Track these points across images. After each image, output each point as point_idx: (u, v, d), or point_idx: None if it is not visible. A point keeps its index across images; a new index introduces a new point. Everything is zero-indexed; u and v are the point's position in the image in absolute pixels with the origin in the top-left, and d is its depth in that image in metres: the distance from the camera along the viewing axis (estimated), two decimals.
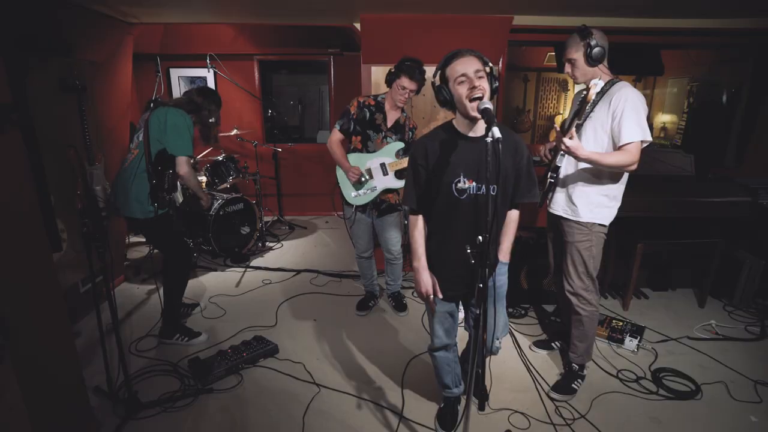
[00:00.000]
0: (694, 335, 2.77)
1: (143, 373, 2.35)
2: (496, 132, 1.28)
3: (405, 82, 2.50)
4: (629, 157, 1.92)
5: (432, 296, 1.74)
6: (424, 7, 2.90)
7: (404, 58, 2.53)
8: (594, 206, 2.10)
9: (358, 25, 3.27)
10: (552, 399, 2.22)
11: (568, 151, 1.91)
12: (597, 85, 1.81)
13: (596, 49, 1.93)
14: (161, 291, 2.62)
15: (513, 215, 1.78)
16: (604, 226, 2.14)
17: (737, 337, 2.76)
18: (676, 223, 3.14)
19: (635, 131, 1.91)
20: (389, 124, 2.69)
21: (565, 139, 1.89)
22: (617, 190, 2.12)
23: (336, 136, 2.70)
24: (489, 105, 1.44)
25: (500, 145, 1.30)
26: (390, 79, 2.58)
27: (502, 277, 1.81)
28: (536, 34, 3.41)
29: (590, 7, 2.88)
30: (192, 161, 2.55)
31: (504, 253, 1.79)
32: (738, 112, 4.07)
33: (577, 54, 2.01)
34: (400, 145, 2.66)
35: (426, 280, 1.73)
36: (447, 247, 1.73)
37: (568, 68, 2.08)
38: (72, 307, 2.84)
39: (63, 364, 1.79)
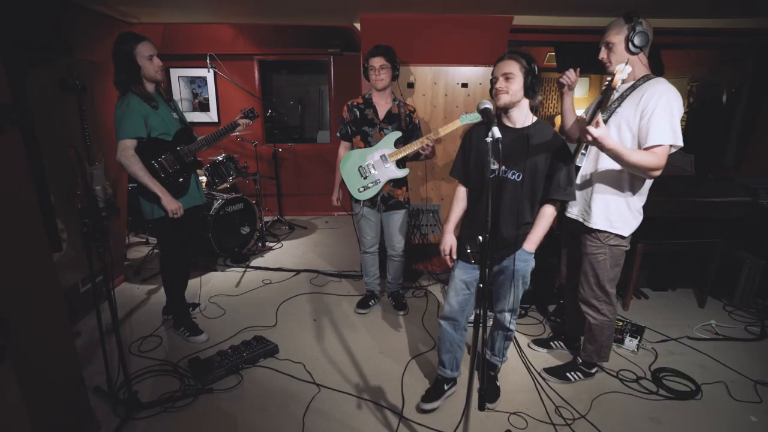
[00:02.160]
0: (694, 335, 2.78)
1: (143, 373, 2.35)
2: (496, 132, 1.36)
3: (371, 62, 2.60)
4: (655, 159, 1.77)
5: (448, 255, 1.98)
6: (424, 7, 2.90)
7: None
8: (610, 212, 1.99)
9: (358, 25, 3.27)
10: (541, 377, 2.35)
11: (595, 142, 1.73)
12: (623, 70, 1.66)
13: (640, 35, 1.80)
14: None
15: (546, 210, 1.87)
16: (621, 237, 2.02)
17: (737, 337, 2.76)
18: (676, 223, 3.14)
19: (666, 134, 1.77)
20: (381, 116, 2.71)
21: (591, 128, 1.70)
22: (638, 200, 1.99)
23: (341, 148, 2.83)
24: (488, 105, 1.51)
25: (529, 135, 1.73)
26: (365, 73, 2.70)
27: (521, 263, 1.89)
28: (536, 34, 3.41)
29: (590, 7, 2.88)
30: (133, 143, 2.26)
31: (529, 243, 1.88)
32: (738, 112, 4.07)
33: (618, 38, 1.86)
34: (398, 134, 2.67)
35: (447, 240, 1.99)
36: (472, 219, 2.00)
37: (603, 53, 1.92)
38: (72, 307, 2.84)
39: (63, 364, 1.79)
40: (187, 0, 2.80)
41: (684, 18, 3.27)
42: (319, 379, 2.34)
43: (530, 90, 1.76)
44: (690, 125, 4.81)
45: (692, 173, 3.15)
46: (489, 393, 2.16)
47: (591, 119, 1.77)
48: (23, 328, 1.54)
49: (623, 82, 1.94)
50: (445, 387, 2.18)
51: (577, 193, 2.10)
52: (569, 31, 3.34)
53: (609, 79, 1.72)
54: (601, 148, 1.77)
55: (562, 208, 2.17)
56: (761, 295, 3.11)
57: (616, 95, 1.97)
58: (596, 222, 2.02)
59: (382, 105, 2.71)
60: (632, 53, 1.86)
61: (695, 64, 4.81)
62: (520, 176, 1.79)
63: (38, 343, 1.65)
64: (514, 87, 1.75)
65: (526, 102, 1.81)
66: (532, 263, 1.94)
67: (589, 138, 1.71)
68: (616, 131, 1.92)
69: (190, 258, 2.76)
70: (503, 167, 1.83)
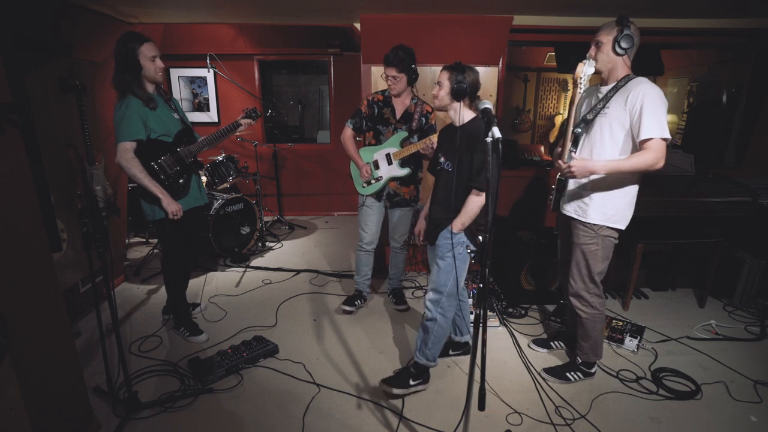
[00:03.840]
0: (694, 335, 2.78)
1: (143, 373, 2.35)
2: (496, 132, 1.35)
3: (385, 70, 2.61)
4: (650, 156, 1.87)
5: (417, 235, 2.40)
6: (424, 7, 2.90)
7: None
8: (607, 208, 2.05)
9: (358, 25, 3.27)
10: (541, 377, 2.36)
11: (578, 174, 1.95)
12: (587, 62, 1.89)
13: (627, 38, 1.90)
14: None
15: (469, 198, 2.01)
16: (615, 230, 2.08)
17: (737, 337, 2.76)
18: (676, 222, 3.14)
19: (655, 127, 1.87)
20: (398, 116, 2.74)
21: (561, 163, 1.95)
22: (634, 190, 2.06)
23: (348, 132, 2.82)
24: (488, 105, 1.50)
25: (459, 132, 2.01)
26: None
27: (442, 240, 2.09)
28: (536, 34, 3.42)
29: (590, 7, 2.88)
30: (132, 146, 2.25)
31: (453, 223, 2.06)
32: (738, 112, 4.08)
33: (607, 38, 1.96)
34: (404, 134, 2.70)
35: (418, 222, 2.42)
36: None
37: (592, 51, 2.01)
38: (72, 307, 2.84)
39: (63, 364, 1.79)
40: (187, 0, 2.79)
41: (684, 18, 3.27)
42: (319, 379, 2.34)
43: (456, 96, 2.01)
44: (690, 125, 4.82)
45: (692, 173, 3.15)
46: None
47: (561, 154, 2.03)
48: (23, 328, 1.54)
49: (605, 83, 2.07)
50: (450, 352, 2.51)
51: (571, 190, 2.17)
52: (569, 31, 3.34)
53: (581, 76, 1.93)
54: (592, 173, 1.98)
55: (556, 206, 2.23)
56: (761, 295, 3.11)
57: (600, 95, 2.07)
58: (592, 217, 2.08)
59: (400, 105, 2.74)
60: (618, 54, 1.97)
61: (695, 64, 4.81)
62: (451, 166, 2.06)
63: (38, 343, 1.65)
64: (441, 93, 2.05)
65: (458, 104, 2.05)
66: (459, 249, 2.07)
67: (568, 173, 1.96)
68: (609, 129, 2.01)
69: (192, 258, 2.75)
70: (445, 159, 2.12)
